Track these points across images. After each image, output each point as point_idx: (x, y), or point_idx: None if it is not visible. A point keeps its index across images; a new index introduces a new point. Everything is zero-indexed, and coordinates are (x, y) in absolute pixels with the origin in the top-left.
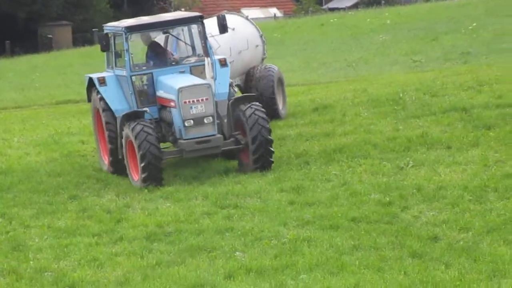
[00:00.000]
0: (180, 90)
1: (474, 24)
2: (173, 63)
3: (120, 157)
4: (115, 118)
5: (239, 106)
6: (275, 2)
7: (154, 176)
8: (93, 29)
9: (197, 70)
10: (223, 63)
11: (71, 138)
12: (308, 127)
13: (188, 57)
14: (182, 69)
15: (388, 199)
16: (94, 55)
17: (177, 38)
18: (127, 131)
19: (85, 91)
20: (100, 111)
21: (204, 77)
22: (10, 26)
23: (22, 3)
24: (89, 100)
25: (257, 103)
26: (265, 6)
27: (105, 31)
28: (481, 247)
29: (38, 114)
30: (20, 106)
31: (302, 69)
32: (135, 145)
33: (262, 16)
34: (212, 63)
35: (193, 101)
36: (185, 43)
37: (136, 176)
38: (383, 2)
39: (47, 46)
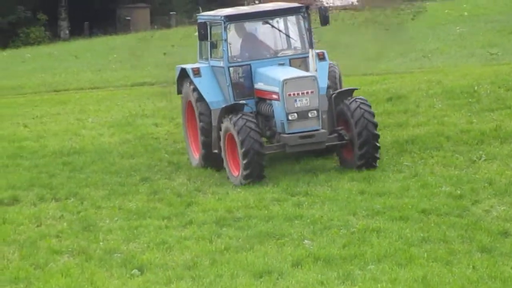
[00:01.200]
0: (285, 81)
1: None
2: (272, 55)
3: (214, 150)
4: (209, 109)
5: (343, 100)
6: None
7: (257, 174)
8: (171, 12)
9: (296, 62)
10: (322, 56)
11: (144, 120)
12: (382, 117)
13: (286, 49)
14: (281, 61)
15: (459, 192)
16: (171, 38)
17: (278, 29)
18: (227, 124)
19: (167, 77)
20: (193, 102)
21: (305, 70)
22: (89, 7)
23: None
24: (179, 92)
25: (362, 97)
26: None
27: (200, 20)
28: None
29: (113, 96)
30: (96, 87)
31: (377, 58)
32: (237, 141)
33: (340, 4)
34: (311, 56)
35: (297, 93)
36: (286, 35)
37: (235, 171)
38: None
39: (125, 27)
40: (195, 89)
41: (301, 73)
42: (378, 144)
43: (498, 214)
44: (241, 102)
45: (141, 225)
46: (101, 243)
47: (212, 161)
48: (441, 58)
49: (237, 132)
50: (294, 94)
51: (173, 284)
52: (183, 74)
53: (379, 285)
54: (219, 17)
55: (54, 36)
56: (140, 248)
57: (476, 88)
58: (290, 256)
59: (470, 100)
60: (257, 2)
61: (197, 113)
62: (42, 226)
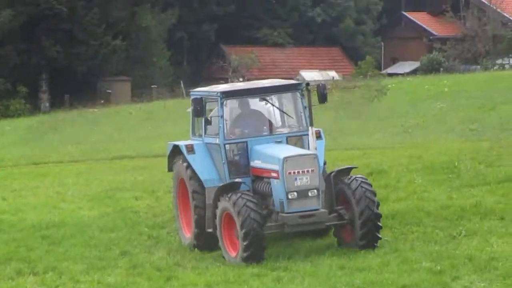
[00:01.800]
0: (285, 159)
1: None
2: (269, 132)
3: (208, 229)
4: (203, 187)
5: (342, 178)
6: (334, 65)
7: (257, 255)
8: (152, 86)
9: (292, 140)
10: (318, 135)
11: (124, 193)
12: None
13: (283, 126)
14: (278, 139)
15: (439, 268)
16: (152, 111)
17: (275, 106)
18: (225, 203)
19: (141, 147)
20: (186, 179)
21: (301, 148)
22: (70, 80)
23: (83, 58)
24: (170, 169)
25: (362, 176)
26: (324, 69)
27: (194, 96)
28: None
29: (93, 169)
30: (76, 160)
31: (359, 133)
32: (237, 221)
33: (321, 78)
34: (311, 134)
35: (298, 172)
36: (283, 112)
37: (233, 252)
38: (441, 69)
39: (105, 100)
40: (188, 166)
41: (301, 151)
42: (380, 224)
43: None
44: (238, 180)
45: None
46: None
47: (205, 240)
48: (421, 133)
49: (237, 213)
50: (294, 173)
51: None
52: (176, 151)
53: None
54: (216, 93)
55: (35, 108)
56: None
57: (456, 163)
58: None
59: (450, 175)
60: (241, 79)
61: (190, 191)
62: None
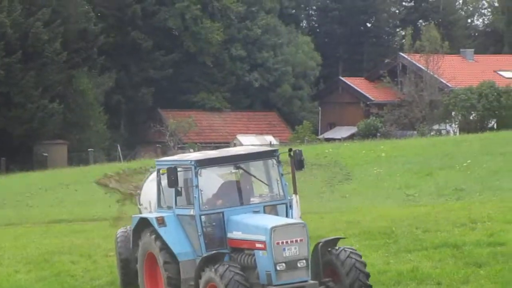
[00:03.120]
0: (273, 229)
1: (469, 161)
2: (245, 202)
3: None
4: (175, 258)
5: (330, 249)
6: (271, 130)
7: None
8: (89, 149)
9: (269, 209)
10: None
11: (61, 257)
12: None
13: (260, 195)
14: (256, 209)
15: None
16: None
17: (250, 174)
18: (211, 275)
19: (78, 211)
20: (156, 252)
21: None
22: (6, 143)
23: (19, 121)
24: (134, 245)
25: (351, 247)
26: (261, 133)
27: (162, 166)
28: None
29: (30, 232)
30: (12, 223)
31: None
32: (222, 286)
33: (258, 143)
34: (295, 202)
35: (286, 242)
36: (260, 180)
37: None
38: (378, 134)
39: (42, 164)
40: (158, 238)
41: (289, 220)
42: None
43: None
44: (222, 251)
45: None
46: None
47: None
48: (358, 198)
49: (225, 286)
50: (282, 243)
51: None
52: (143, 224)
53: None
54: (189, 161)
55: None
56: None
57: (393, 229)
58: None
59: (387, 240)
60: (191, 150)
61: (161, 262)
62: None
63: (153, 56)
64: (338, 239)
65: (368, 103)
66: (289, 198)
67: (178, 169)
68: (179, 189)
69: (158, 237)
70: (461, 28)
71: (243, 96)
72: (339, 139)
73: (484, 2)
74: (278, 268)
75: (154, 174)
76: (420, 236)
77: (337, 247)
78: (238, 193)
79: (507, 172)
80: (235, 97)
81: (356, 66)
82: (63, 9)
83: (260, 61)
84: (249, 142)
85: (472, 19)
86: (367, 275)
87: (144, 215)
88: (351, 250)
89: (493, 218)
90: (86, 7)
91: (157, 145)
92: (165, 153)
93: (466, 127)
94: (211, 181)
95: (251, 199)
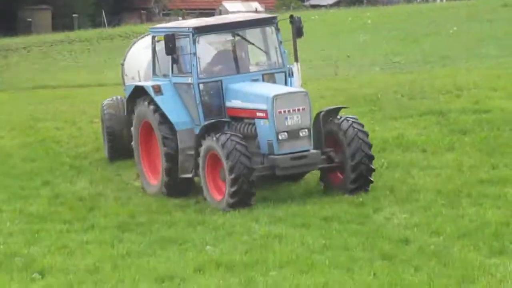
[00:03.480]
0: (275, 97)
1: (455, 28)
2: (244, 70)
3: (182, 175)
4: (174, 132)
5: (332, 118)
6: None
7: (244, 201)
8: (73, 15)
9: (267, 78)
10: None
11: (46, 123)
12: None
13: (259, 63)
14: (255, 77)
15: (360, 199)
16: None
17: (249, 42)
18: (211, 143)
19: (63, 77)
20: (155, 125)
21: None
22: None
23: None
24: (129, 112)
25: (354, 116)
26: (247, 0)
27: (156, 33)
28: (451, 252)
29: (15, 98)
30: None
31: None
32: (226, 165)
33: (244, 9)
34: (296, 70)
35: (289, 110)
36: (258, 48)
37: (217, 195)
38: (365, 1)
39: (26, 29)
40: (157, 111)
41: (291, 88)
42: (372, 167)
43: (399, 221)
44: (224, 119)
45: (43, 228)
46: (1, 247)
47: (177, 188)
48: (344, 66)
49: (226, 156)
50: (284, 112)
51: None
52: (138, 92)
53: None
54: (187, 29)
55: None
56: (41, 252)
57: (379, 96)
58: (192, 262)
59: (373, 108)
60: (180, 18)
61: (160, 137)
62: None
63: None
64: (340, 108)
65: None
66: (288, 66)
67: (177, 36)
68: (175, 57)
69: (157, 109)
70: None
71: None
72: (325, 6)
73: None
74: (280, 137)
75: (141, 43)
76: (405, 104)
77: (339, 117)
78: (234, 62)
79: (494, 40)
80: None
81: None
82: None
83: None
84: (235, 9)
85: None
86: (369, 145)
87: (139, 83)
88: (354, 120)
89: (478, 85)
90: None
91: (142, 11)
92: (149, 20)
93: None
94: (206, 50)
95: (250, 67)
